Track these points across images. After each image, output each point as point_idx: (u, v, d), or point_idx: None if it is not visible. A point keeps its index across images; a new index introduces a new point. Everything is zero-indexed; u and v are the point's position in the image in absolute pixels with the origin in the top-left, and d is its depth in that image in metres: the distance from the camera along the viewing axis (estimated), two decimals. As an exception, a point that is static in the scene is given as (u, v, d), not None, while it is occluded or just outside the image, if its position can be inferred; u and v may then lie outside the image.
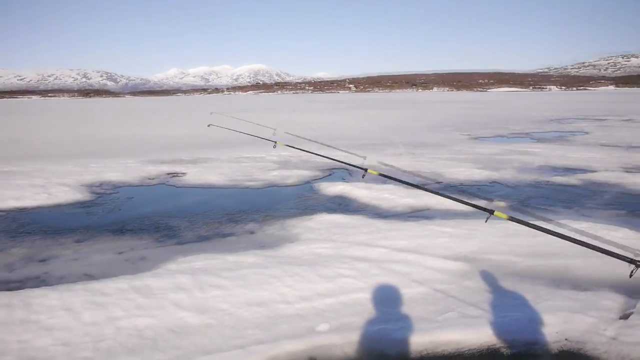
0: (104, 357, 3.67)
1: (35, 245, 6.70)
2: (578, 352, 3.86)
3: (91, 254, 6.29)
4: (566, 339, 3.99)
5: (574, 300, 4.60)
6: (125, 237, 7.01)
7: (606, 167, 12.20)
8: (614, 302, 4.58)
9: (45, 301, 4.52)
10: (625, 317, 4.31)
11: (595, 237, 6.43)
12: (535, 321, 4.20)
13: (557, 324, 4.15)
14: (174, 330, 4.07)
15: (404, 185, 4.77)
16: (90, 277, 5.37)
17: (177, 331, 4.05)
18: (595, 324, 4.16)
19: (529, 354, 3.85)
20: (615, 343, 3.90)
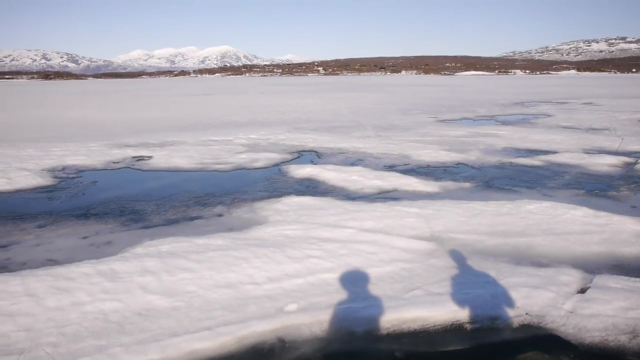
0: (69, 341, 3.62)
1: (-5, 231, 6.50)
2: (538, 325, 4.01)
3: (54, 239, 6.14)
4: (527, 313, 4.13)
5: (535, 276, 4.76)
6: (89, 222, 6.87)
7: (567, 149, 12.57)
8: (572, 277, 4.76)
9: (7, 287, 4.41)
10: (582, 291, 4.49)
11: (556, 216, 6.67)
12: (497, 297, 4.33)
13: (518, 299, 4.29)
14: (141, 313, 4.03)
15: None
16: (54, 262, 5.25)
17: (144, 314, 4.02)
18: (554, 299, 4.33)
19: (491, 328, 3.98)
20: (573, 316, 4.06)
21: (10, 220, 6.99)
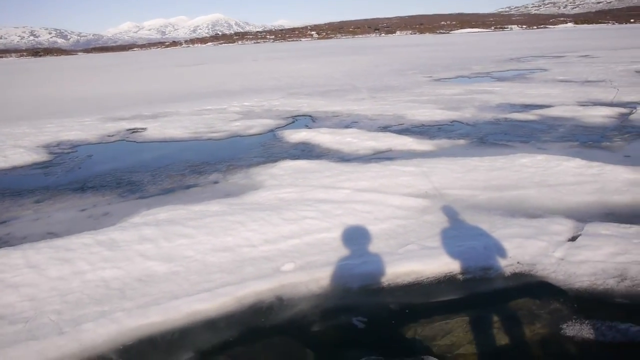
0: (72, 308, 3.71)
1: (-6, 208, 6.56)
2: (529, 273, 4.11)
3: (53, 213, 6.21)
4: (518, 262, 4.23)
5: (527, 227, 4.84)
6: (86, 195, 6.92)
7: (562, 102, 12.53)
8: (563, 226, 4.84)
9: (8, 260, 4.49)
10: (573, 239, 4.58)
11: (549, 168, 6.72)
12: (489, 248, 4.42)
13: (510, 250, 4.38)
14: (141, 279, 4.12)
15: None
16: (53, 235, 5.33)
17: (144, 280, 4.11)
18: (546, 247, 4.41)
19: (484, 278, 4.07)
20: (563, 263, 4.16)
21: (8, 196, 7.04)
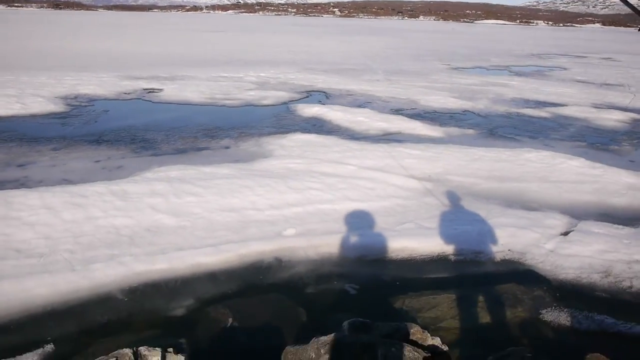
0: (84, 249, 3.95)
1: (12, 151, 6.80)
2: (518, 261, 4.30)
3: (68, 161, 6.44)
4: (509, 250, 4.41)
5: (523, 218, 5.01)
6: (101, 147, 7.15)
7: (577, 102, 12.53)
8: (558, 221, 5.00)
9: (25, 200, 4.72)
10: (565, 233, 4.75)
11: (553, 165, 6.84)
12: (483, 234, 4.60)
13: (503, 237, 4.56)
14: (149, 229, 4.35)
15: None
16: (68, 181, 5.56)
17: (152, 230, 4.33)
18: (538, 239, 4.59)
19: (474, 261, 4.27)
20: (552, 254, 4.33)
21: (26, 142, 7.27)
